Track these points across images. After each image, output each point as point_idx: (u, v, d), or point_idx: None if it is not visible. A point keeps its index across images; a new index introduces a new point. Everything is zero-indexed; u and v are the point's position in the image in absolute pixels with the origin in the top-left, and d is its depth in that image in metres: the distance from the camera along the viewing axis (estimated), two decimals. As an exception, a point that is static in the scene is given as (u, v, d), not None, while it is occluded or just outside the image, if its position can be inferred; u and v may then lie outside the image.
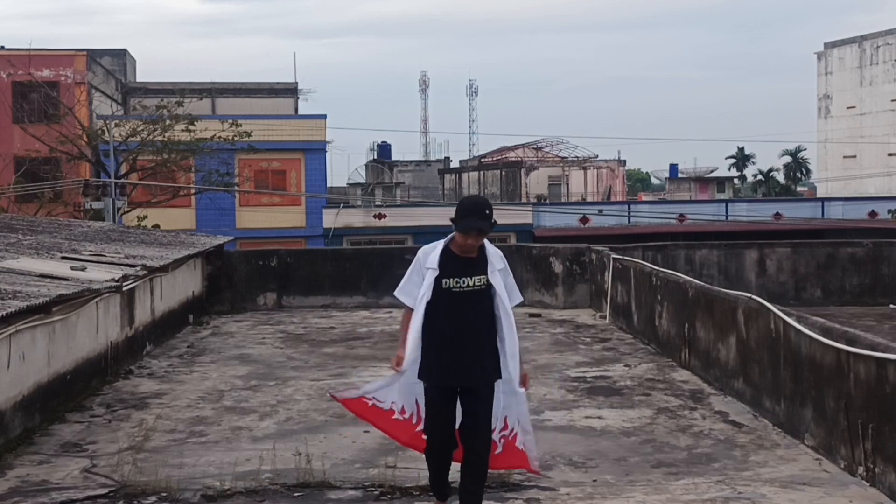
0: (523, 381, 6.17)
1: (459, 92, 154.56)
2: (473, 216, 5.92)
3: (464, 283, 5.97)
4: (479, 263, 6.02)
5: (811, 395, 8.04)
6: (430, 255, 6.05)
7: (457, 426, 6.14)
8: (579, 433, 8.75)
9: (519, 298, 6.22)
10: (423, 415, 6.20)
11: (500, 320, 6.04)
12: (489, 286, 6.01)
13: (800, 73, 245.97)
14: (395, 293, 6.20)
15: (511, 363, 6.03)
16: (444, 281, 5.96)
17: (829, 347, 7.59)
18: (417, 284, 6.06)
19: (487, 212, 5.96)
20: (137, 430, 8.93)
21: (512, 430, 6.22)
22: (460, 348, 5.97)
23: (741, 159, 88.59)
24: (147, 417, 9.49)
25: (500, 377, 6.08)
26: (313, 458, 7.60)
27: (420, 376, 6.08)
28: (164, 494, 6.93)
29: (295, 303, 18.47)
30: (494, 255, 6.09)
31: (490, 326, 6.05)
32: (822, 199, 52.04)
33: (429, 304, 5.97)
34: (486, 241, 6.08)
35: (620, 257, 15.91)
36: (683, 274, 13.60)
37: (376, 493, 6.96)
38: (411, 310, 6.07)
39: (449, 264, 5.99)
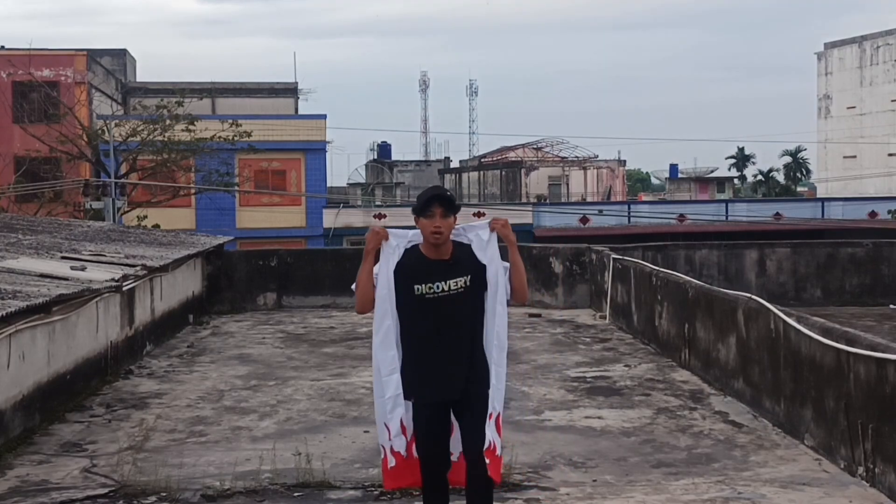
0: (492, 226, 5.47)
1: (459, 92, 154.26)
2: (431, 194, 5.39)
3: (438, 288, 5.37)
4: (456, 265, 5.40)
5: (811, 395, 8.04)
6: (396, 247, 5.45)
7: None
8: (579, 433, 8.75)
9: (520, 296, 5.57)
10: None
11: (486, 316, 5.45)
12: (472, 287, 5.40)
13: (800, 73, 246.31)
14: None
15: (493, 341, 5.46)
16: (416, 287, 5.36)
17: (829, 347, 7.59)
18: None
19: (449, 194, 5.47)
20: (137, 430, 8.93)
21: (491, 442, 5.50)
22: (443, 357, 5.40)
23: (741, 159, 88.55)
24: (147, 417, 9.50)
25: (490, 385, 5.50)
26: (313, 458, 7.61)
27: (404, 392, 5.47)
28: (164, 494, 6.94)
29: (295, 303, 18.48)
30: (478, 244, 5.47)
31: (478, 330, 5.47)
32: (822, 200, 51.97)
33: (402, 310, 5.41)
34: (460, 240, 5.46)
35: (620, 257, 15.91)
36: (683, 274, 13.61)
37: (376, 493, 6.96)
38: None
39: (418, 267, 5.38)
